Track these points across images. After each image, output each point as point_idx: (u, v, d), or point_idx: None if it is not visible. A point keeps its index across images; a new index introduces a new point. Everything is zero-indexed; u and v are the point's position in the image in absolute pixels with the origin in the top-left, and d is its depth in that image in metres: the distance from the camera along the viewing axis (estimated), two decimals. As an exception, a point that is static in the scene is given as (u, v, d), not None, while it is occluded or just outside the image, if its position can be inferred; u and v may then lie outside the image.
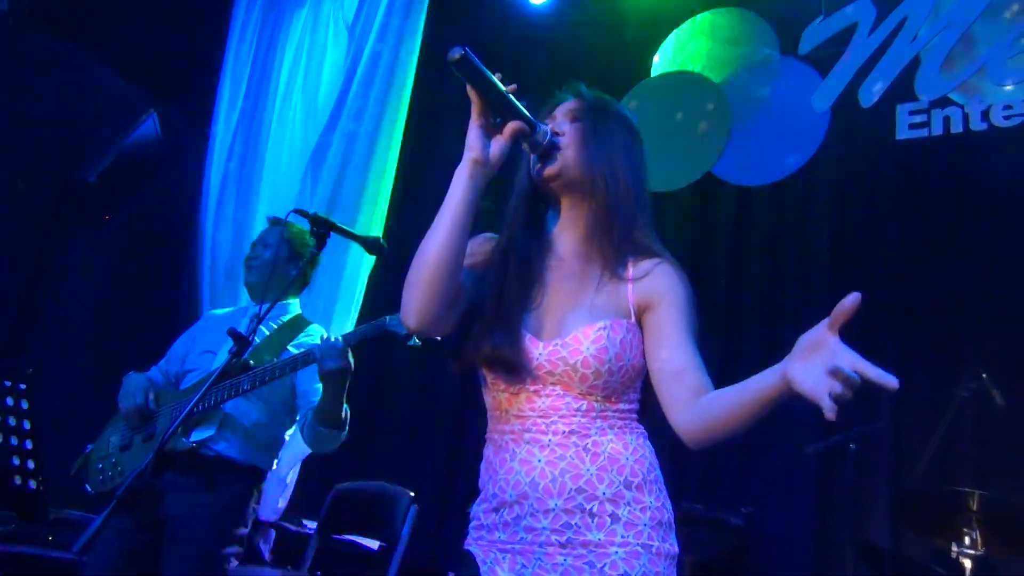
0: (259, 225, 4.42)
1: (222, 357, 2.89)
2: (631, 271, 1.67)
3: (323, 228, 2.54)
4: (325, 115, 4.69)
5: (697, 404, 1.54)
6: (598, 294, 1.66)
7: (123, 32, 4.96)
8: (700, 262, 4.23)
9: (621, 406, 1.65)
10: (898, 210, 3.99)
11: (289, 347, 2.95)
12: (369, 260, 4.17)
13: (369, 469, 4.47)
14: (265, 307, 2.43)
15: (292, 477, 4.11)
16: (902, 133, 4.04)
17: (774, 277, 4.19)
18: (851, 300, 1.28)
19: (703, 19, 4.70)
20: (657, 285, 1.65)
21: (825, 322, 1.31)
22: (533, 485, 1.58)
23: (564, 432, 1.60)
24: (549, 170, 1.67)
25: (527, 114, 1.63)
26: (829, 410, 1.24)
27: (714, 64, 4.61)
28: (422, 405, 4.70)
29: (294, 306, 3.15)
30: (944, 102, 4.00)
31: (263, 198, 4.55)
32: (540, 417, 1.62)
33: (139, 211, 5.07)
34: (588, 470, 1.58)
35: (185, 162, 5.06)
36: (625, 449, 1.61)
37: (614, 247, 1.68)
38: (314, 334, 3.04)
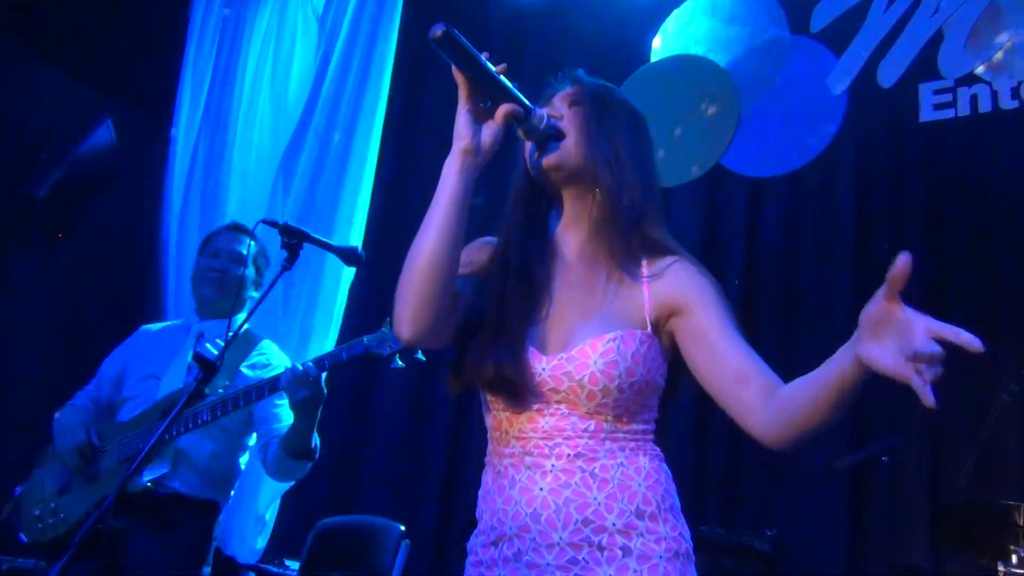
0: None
1: (170, 384, 2.87)
2: (644, 272, 1.63)
3: (296, 239, 2.51)
4: (296, 115, 4.66)
5: (773, 404, 1.48)
6: (608, 301, 1.62)
7: (74, 32, 4.93)
8: (711, 261, 4.19)
9: (634, 426, 1.60)
10: (925, 197, 3.96)
11: (243, 368, 2.94)
12: (348, 272, 4.14)
13: (355, 501, 4.44)
14: (232, 330, 2.39)
15: (271, 515, 4.07)
16: (926, 114, 4.01)
17: (792, 274, 4.15)
18: (903, 263, 1.23)
19: (704, -2, 4.69)
20: (678, 287, 1.61)
21: (882, 292, 1.26)
22: (535, 516, 1.54)
23: (569, 455, 1.55)
24: (549, 159, 1.63)
25: (520, 96, 1.59)
26: (924, 392, 1.18)
27: (718, 46, 4.59)
28: (413, 428, 4.65)
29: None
30: (970, 79, 3.97)
31: (231, 206, 4.52)
32: (543, 439, 1.57)
33: (96, 225, 5.02)
34: (596, 498, 1.53)
35: (145, 170, 5.01)
36: (637, 474, 1.56)
37: (623, 245, 1.63)
38: (267, 351, 3.04)
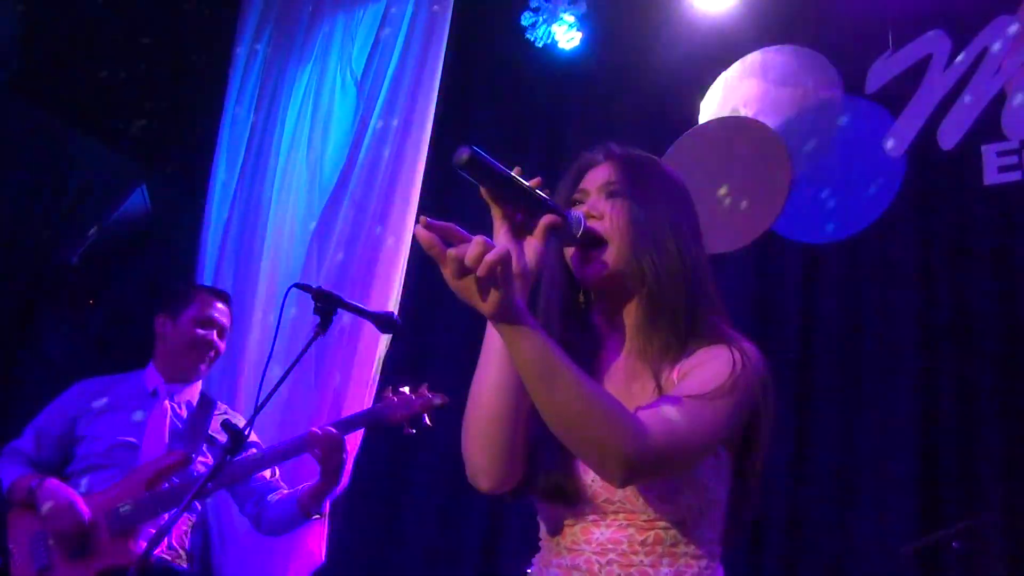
0: (260, 301, 4.38)
1: (150, 451, 2.90)
2: (684, 363, 1.53)
3: (329, 304, 2.50)
4: (332, 181, 4.67)
5: None
6: (650, 398, 1.50)
7: (108, 97, 5.02)
8: (764, 333, 4.08)
9: (700, 533, 1.49)
10: (994, 267, 3.84)
11: (213, 434, 3.07)
12: (385, 339, 4.10)
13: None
14: (260, 401, 2.35)
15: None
16: (991, 177, 3.91)
17: (851, 350, 4.01)
18: None
19: (753, 59, 4.66)
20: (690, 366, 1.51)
21: None
22: None
23: (620, 574, 1.46)
24: (595, 270, 1.55)
25: (557, 206, 1.51)
26: None
27: (769, 108, 4.55)
28: (450, 503, 4.53)
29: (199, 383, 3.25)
30: (1037, 140, 3.89)
31: (264, 272, 4.50)
32: (596, 553, 1.49)
33: (127, 292, 5.04)
34: None
35: (178, 236, 5.04)
36: None
37: (671, 339, 1.53)
38: (229, 414, 3.18)
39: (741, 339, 1.56)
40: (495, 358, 1.45)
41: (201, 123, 5.08)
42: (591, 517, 1.51)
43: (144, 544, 2.77)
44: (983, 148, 3.97)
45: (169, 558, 2.87)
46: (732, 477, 1.56)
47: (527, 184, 1.47)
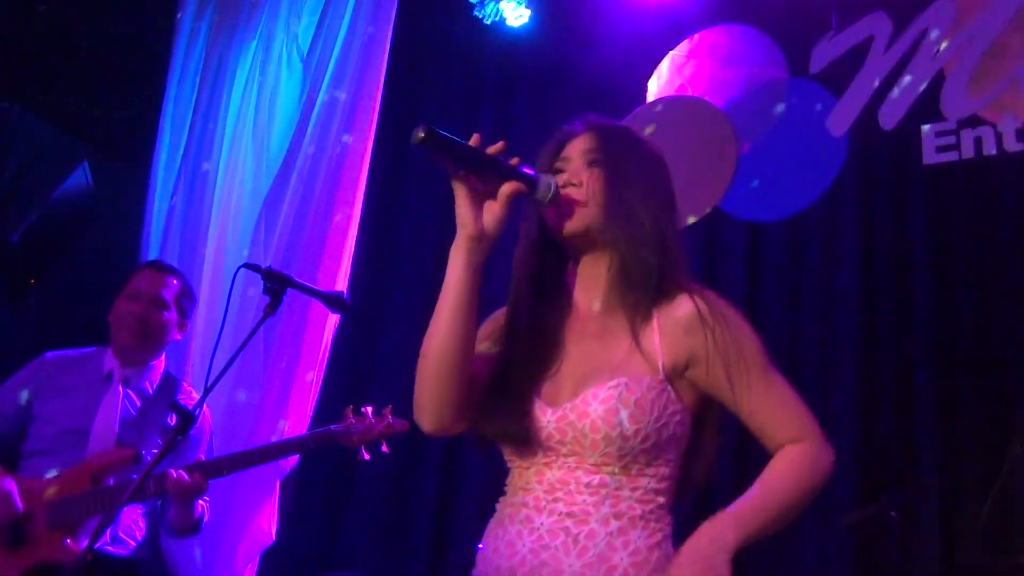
0: (206, 281, 4.36)
1: (99, 443, 2.85)
2: (655, 317, 1.64)
3: (279, 284, 2.50)
4: (279, 158, 4.65)
5: None
6: (624, 351, 1.62)
7: (49, 75, 4.93)
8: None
9: (644, 481, 1.59)
10: (930, 243, 3.96)
11: (168, 423, 2.98)
12: (334, 319, 4.11)
13: (339, 560, 4.37)
14: (213, 376, 2.36)
15: (250, 574, 3.98)
16: (929, 157, 4.02)
17: (792, 324, 4.13)
18: None
19: (699, 38, 4.72)
20: (687, 338, 1.63)
21: None
22: (511, 572, 1.56)
23: (560, 514, 1.56)
24: (571, 226, 1.65)
25: (521, 172, 1.59)
26: None
27: (715, 87, 4.62)
28: (400, 476, 4.57)
29: (160, 363, 3.20)
30: (974, 121, 3.99)
31: (210, 250, 4.48)
32: (545, 492, 1.59)
33: (70, 271, 4.98)
34: (571, 565, 1.54)
35: (122, 214, 4.98)
36: (624, 548, 1.55)
37: (642, 296, 1.64)
38: (188, 392, 3.12)
39: (703, 290, 1.71)
40: (450, 300, 1.58)
41: (144, 99, 5.02)
42: (543, 460, 1.61)
43: (85, 540, 2.73)
44: (923, 128, 4.07)
45: (112, 549, 2.83)
46: (693, 417, 1.67)
47: (487, 153, 1.55)
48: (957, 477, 3.58)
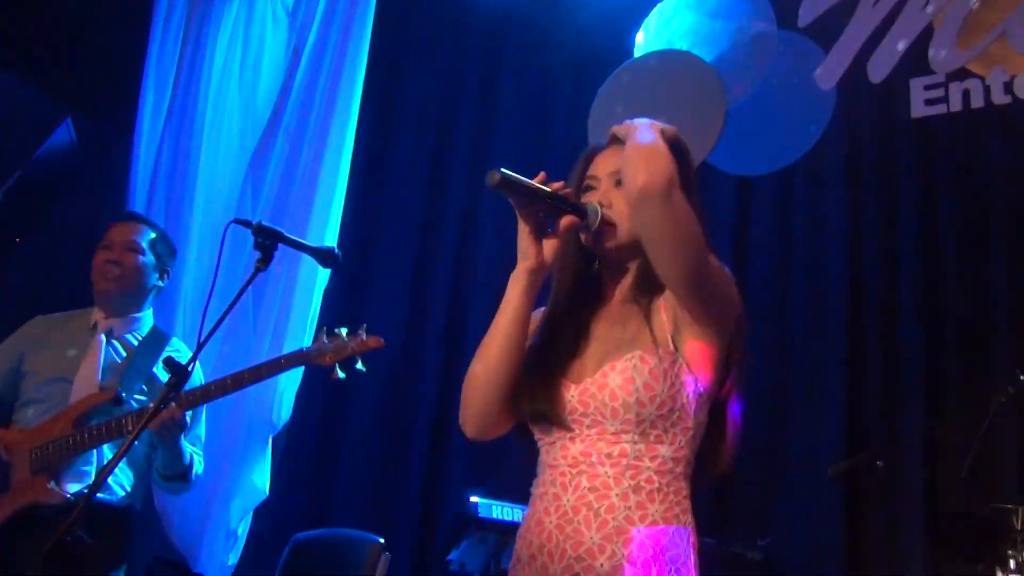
0: (194, 238, 4.36)
1: (82, 389, 2.89)
2: (660, 296, 1.77)
3: (269, 239, 2.49)
4: (266, 114, 4.64)
5: None
6: (636, 329, 1.76)
7: (30, 32, 4.88)
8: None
9: (661, 449, 1.69)
10: (917, 196, 4.00)
11: (156, 371, 3.00)
12: (324, 274, 4.12)
13: (332, 514, 4.41)
14: (206, 332, 2.38)
15: (243, 529, 4.04)
16: (918, 110, 4.04)
17: (781, 276, 4.18)
18: None
19: (689, -8, 4.70)
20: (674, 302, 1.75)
21: None
22: (541, 547, 1.70)
23: (584, 488, 1.68)
24: (608, 245, 1.79)
25: (575, 204, 1.76)
26: None
27: (703, 41, 4.60)
28: (391, 437, 4.62)
29: (148, 317, 3.19)
30: (962, 74, 4.00)
31: (197, 208, 4.47)
32: (569, 466, 1.72)
33: (54, 231, 4.96)
34: (592, 538, 1.66)
35: (107, 172, 4.96)
36: (641, 521, 1.66)
37: (659, 289, 1.77)
38: (180, 349, 3.11)
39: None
40: (505, 325, 1.76)
41: (127, 55, 4.96)
42: (568, 435, 1.74)
43: (67, 484, 2.78)
44: (911, 82, 4.09)
45: (101, 494, 2.86)
46: (708, 419, 1.77)
47: (549, 190, 1.73)
48: (941, 427, 3.65)
